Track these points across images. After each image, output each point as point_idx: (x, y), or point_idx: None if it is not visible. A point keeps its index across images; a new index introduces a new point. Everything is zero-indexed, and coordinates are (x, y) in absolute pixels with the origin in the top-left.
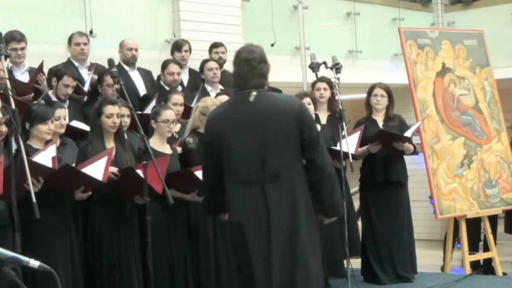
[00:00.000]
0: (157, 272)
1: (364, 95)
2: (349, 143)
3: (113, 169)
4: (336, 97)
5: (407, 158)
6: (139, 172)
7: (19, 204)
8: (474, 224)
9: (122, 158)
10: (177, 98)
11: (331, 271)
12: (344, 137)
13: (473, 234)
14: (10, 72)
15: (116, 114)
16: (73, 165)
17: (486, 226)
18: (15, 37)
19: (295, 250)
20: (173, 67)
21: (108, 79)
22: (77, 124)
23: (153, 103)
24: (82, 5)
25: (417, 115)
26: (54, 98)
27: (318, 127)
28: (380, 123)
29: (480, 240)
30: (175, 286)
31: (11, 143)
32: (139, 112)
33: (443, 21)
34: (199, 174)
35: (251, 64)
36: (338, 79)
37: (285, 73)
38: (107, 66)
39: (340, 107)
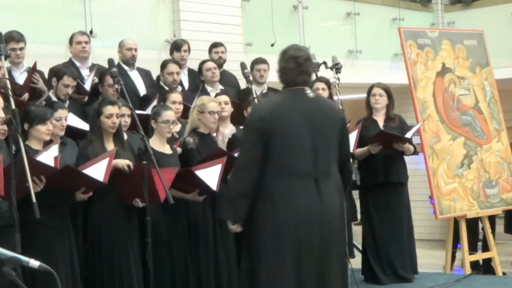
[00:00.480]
0: (157, 272)
1: (364, 95)
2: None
3: (127, 162)
4: (335, 97)
5: (407, 158)
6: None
7: (19, 204)
8: (472, 224)
9: (121, 158)
10: (176, 96)
11: None
12: None
13: (471, 234)
14: (9, 72)
15: (115, 115)
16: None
17: (486, 226)
18: (14, 37)
19: (343, 244)
20: (173, 67)
21: (109, 79)
22: (74, 119)
23: (154, 103)
24: (82, 5)
25: (417, 115)
26: (54, 98)
27: None
28: (381, 124)
29: (479, 240)
30: (175, 286)
31: (11, 143)
32: (139, 112)
33: (443, 21)
34: (199, 174)
35: (298, 61)
36: (338, 79)
37: None
38: (107, 66)
39: (340, 107)
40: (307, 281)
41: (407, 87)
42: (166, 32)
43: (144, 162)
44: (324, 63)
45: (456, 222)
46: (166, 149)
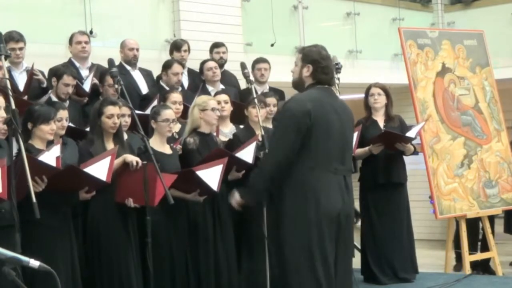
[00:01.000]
0: (157, 272)
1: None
2: None
3: (137, 158)
4: None
5: (407, 159)
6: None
7: (19, 204)
8: (472, 224)
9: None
10: (176, 96)
11: None
12: None
13: (471, 234)
14: (8, 72)
15: (116, 115)
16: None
17: (486, 226)
18: (14, 37)
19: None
20: (178, 68)
21: (109, 79)
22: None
23: (154, 103)
24: (82, 5)
25: (417, 115)
26: (54, 98)
27: None
28: (381, 124)
29: (479, 240)
30: (175, 286)
31: (11, 143)
32: (140, 112)
33: (443, 21)
34: (201, 174)
35: (332, 61)
36: (338, 79)
37: (285, 73)
38: (107, 66)
39: None
40: (331, 274)
41: (407, 87)
42: (166, 32)
43: (145, 162)
44: None
45: (457, 222)
46: (166, 149)
